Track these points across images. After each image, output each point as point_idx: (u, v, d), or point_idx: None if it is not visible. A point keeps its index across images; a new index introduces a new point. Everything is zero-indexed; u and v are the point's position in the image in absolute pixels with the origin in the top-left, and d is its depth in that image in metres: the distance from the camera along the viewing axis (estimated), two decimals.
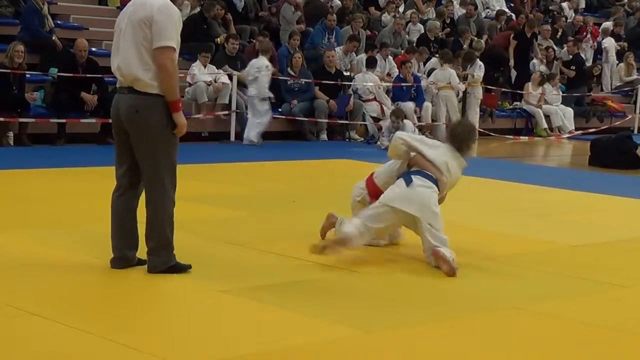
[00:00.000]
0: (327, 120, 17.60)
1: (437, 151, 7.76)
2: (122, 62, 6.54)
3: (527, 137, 20.42)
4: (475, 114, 19.52)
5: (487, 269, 7.57)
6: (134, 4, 6.63)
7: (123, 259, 6.72)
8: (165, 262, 6.62)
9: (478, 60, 19.90)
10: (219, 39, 17.86)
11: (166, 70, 6.42)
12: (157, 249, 6.62)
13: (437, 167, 7.64)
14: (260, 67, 16.43)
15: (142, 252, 6.76)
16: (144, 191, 6.67)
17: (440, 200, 7.62)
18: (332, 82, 17.72)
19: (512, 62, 21.92)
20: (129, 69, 6.50)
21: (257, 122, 16.33)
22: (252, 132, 16.32)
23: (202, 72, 16.64)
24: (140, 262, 6.75)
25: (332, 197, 10.98)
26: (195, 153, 14.55)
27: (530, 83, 21.33)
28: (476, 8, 23.42)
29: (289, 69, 17.66)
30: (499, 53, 21.80)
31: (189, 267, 6.72)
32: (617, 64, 24.80)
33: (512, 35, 22.22)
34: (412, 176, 7.56)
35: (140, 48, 6.46)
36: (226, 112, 16.65)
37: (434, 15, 22.87)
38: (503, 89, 21.41)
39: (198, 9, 18.52)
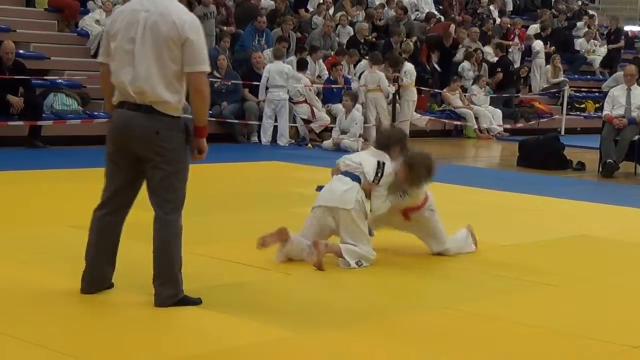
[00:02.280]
0: (257, 122, 17.57)
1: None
2: (143, 80, 5.90)
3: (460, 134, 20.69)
4: (405, 117, 19.57)
5: (418, 270, 7.60)
6: (148, 10, 5.95)
7: (99, 278, 6.27)
8: (173, 295, 6.07)
9: (407, 63, 19.97)
10: None
11: (203, 95, 5.96)
12: (165, 281, 6.08)
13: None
14: (288, 72, 17.43)
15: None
16: (155, 215, 6.11)
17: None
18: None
19: (433, 66, 22.09)
20: (153, 90, 5.90)
21: (283, 125, 17.43)
22: (280, 136, 17.44)
23: None
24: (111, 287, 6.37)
25: (261, 199, 10.97)
26: None
27: (449, 87, 21.52)
28: (406, 12, 23.52)
29: (214, 71, 17.62)
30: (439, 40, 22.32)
31: (199, 300, 6.18)
32: (545, 66, 25.11)
33: (430, 44, 22.43)
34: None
35: (166, 69, 5.91)
36: None
37: (363, 18, 22.94)
38: (433, 90, 21.56)
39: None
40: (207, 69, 6.01)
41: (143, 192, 6.28)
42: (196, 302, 6.13)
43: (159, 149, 5.96)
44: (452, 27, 22.98)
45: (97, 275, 6.27)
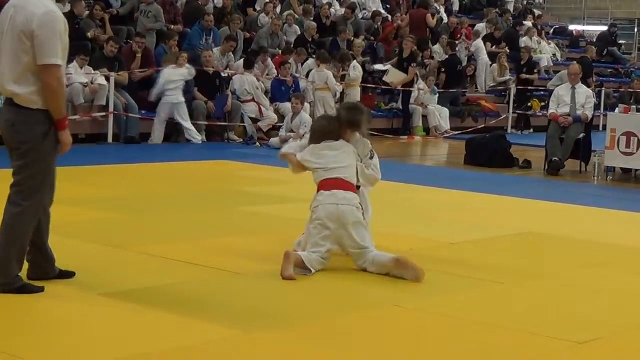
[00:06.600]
0: (205, 122, 17.53)
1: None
2: (1, 74, 6.06)
3: (406, 137, 20.67)
4: None
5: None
6: (15, 5, 6.09)
7: None
8: (4, 284, 6.10)
9: (354, 61, 20.03)
10: (89, 33, 17.49)
11: (51, 89, 6.00)
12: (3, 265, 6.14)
13: None
14: (185, 75, 17.04)
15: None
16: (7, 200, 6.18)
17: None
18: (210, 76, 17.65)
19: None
20: (4, 83, 6.05)
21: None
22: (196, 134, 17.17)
23: (79, 74, 16.38)
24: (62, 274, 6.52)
25: (211, 199, 10.95)
26: (72, 155, 14.30)
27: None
28: (354, 11, 23.54)
29: None
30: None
31: (41, 289, 6.22)
32: (491, 65, 25.25)
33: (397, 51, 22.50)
34: None
35: (18, 61, 6.00)
36: (103, 114, 16.43)
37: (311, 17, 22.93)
38: (380, 89, 21.63)
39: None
40: (54, 62, 6.00)
41: (59, 186, 6.35)
42: (37, 290, 6.16)
43: (15, 142, 6.12)
44: (429, 16, 23.02)
45: None
